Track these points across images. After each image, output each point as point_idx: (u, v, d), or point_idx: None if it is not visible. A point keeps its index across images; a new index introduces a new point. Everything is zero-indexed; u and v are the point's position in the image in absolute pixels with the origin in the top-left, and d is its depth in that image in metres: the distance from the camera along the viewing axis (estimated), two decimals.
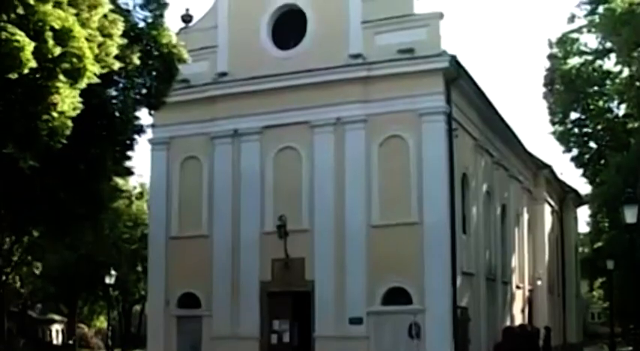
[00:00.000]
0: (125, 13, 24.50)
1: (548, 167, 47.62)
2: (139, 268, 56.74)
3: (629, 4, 29.37)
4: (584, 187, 56.05)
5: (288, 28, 31.85)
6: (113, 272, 43.84)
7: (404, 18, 29.80)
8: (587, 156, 51.17)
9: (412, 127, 29.22)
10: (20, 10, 17.56)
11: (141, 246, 50.64)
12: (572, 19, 48.05)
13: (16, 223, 26.70)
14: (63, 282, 56.32)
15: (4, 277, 50.87)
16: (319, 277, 29.88)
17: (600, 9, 43.86)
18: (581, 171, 52.44)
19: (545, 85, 51.81)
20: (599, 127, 49.87)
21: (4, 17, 17.37)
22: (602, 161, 48.78)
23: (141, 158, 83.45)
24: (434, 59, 29.11)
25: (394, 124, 29.40)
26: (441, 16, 29.66)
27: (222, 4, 33.04)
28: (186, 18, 33.70)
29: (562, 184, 52.40)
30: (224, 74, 32.29)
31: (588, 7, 46.62)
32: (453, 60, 29.14)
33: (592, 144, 51.46)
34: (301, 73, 30.59)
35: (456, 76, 29.74)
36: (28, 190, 22.27)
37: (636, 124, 43.21)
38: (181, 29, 32.38)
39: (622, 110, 48.04)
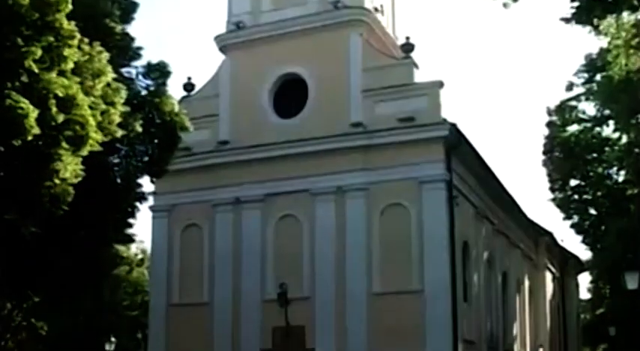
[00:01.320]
0: (128, 82, 24.82)
1: (549, 234, 47.66)
2: (140, 336, 56.26)
3: (627, 72, 29.69)
4: (584, 254, 55.97)
5: (289, 96, 32.16)
6: (113, 339, 43.49)
7: (404, 87, 30.16)
8: (587, 222, 51.13)
9: (413, 195, 29.33)
10: (25, 78, 17.79)
11: (141, 313, 50.31)
12: (570, 87, 48.54)
13: (17, 288, 26.62)
14: (62, 348, 55.78)
15: (3, 343, 50.40)
16: (320, 345, 29.66)
17: (598, 77, 44.35)
18: (581, 238, 52.37)
19: (545, 152, 52.01)
20: (599, 193, 49.91)
21: (9, 85, 17.59)
22: (603, 228, 48.71)
23: (142, 224, 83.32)
24: (434, 128, 29.35)
25: (395, 192, 29.51)
26: (440, 84, 30.01)
27: (224, 73, 33.44)
28: (188, 86, 34.09)
29: (563, 251, 52.36)
30: (225, 142, 32.52)
31: (586, 75, 47.15)
32: (453, 128, 29.38)
33: (592, 211, 51.46)
34: (302, 141, 30.82)
35: (456, 144, 29.96)
36: (28, 256, 22.27)
37: (635, 191, 43.26)
38: (183, 97, 32.73)
39: (621, 177, 48.16)
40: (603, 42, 26.72)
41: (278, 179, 30.99)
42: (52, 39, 18.31)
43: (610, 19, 13.50)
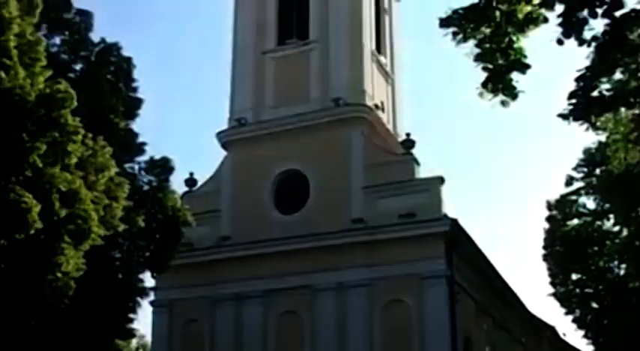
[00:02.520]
0: (131, 177, 25.05)
1: (551, 328, 47.25)
2: None
3: (626, 166, 29.93)
4: (587, 348, 55.27)
5: (291, 192, 32.33)
6: None
7: (405, 183, 30.38)
8: (589, 317, 50.68)
9: (414, 290, 29.23)
10: (29, 173, 18.00)
11: None
12: (570, 181, 48.77)
13: None
14: None
15: None
16: None
17: (597, 171, 44.64)
18: (583, 332, 51.81)
19: (545, 246, 51.91)
20: (601, 287, 49.64)
21: (13, 179, 17.78)
22: (605, 322, 48.28)
23: (143, 318, 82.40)
24: (435, 223, 29.45)
25: (396, 287, 29.41)
26: (441, 180, 30.24)
27: (226, 169, 33.71)
28: (191, 182, 34.32)
29: (566, 345, 51.77)
30: (227, 238, 32.55)
31: (585, 170, 47.45)
32: (454, 224, 29.48)
33: (594, 304, 51.08)
34: (303, 237, 30.84)
35: (457, 240, 30.01)
36: (29, 349, 22.08)
37: (637, 284, 43.07)
38: (185, 193, 32.91)
39: (623, 270, 47.97)
40: (602, 136, 27.01)
41: (279, 275, 30.88)
42: (56, 134, 18.59)
43: (608, 115, 13.76)
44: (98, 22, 27.15)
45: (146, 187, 26.43)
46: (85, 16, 26.85)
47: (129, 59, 27.02)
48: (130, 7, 73.96)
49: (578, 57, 11.79)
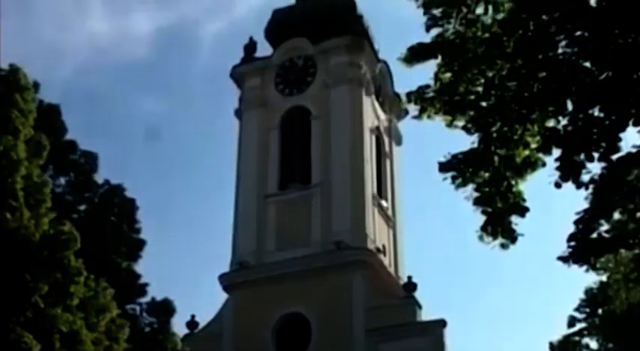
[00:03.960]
0: (132, 318, 24.87)
1: None
2: None
3: (628, 306, 29.77)
4: None
5: (292, 335, 32.06)
6: None
7: (407, 326, 30.17)
8: None
9: None
10: (30, 313, 17.92)
11: None
12: (572, 322, 48.29)
13: None
14: None
15: None
16: None
17: (599, 311, 44.28)
18: None
19: None
20: None
21: (14, 319, 17.70)
22: None
23: None
24: None
25: None
26: (443, 324, 30.04)
27: (227, 311, 33.53)
28: (192, 324, 34.04)
29: None
30: None
31: (587, 310, 47.06)
32: None
33: None
34: None
35: None
36: None
37: None
38: (187, 335, 32.58)
39: None
40: (603, 276, 27.02)
41: None
42: (59, 275, 18.61)
43: (608, 256, 13.83)
44: (102, 162, 27.63)
45: (147, 329, 26.20)
46: (90, 157, 27.34)
47: (132, 201, 27.33)
48: (134, 149, 75.03)
49: (577, 198, 11.97)
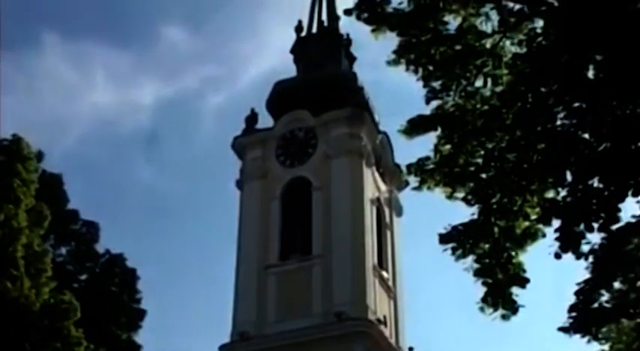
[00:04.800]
0: None
1: None
2: None
3: None
4: None
5: None
6: None
7: None
8: None
9: None
10: None
11: None
12: None
13: None
14: None
15: None
16: None
17: None
18: None
19: None
20: None
21: None
22: None
23: None
24: None
25: None
26: None
27: None
28: None
29: None
30: None
31: None
32: None
33: None
34: None
35: None
36: None
37: None
38: None
39: None
40: (605, 346, 26.76)
41: None
42: (59, 345, 18.57)
43: (610, 326, 13.79)
44: (104, 232, 27.71)
45: None
46: (92, 227, 27.45)
47: (133, 271, 27.38)
48: (136, 219, 75.17)
49: (577, 268, 12.00)
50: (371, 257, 34.36)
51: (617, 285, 12.04)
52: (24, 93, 77.45)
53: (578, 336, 12.60)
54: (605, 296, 11.98)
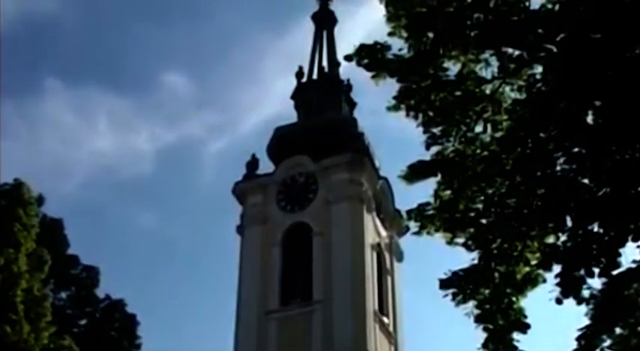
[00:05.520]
0: None
1: None
2: None
3: None
4: None
5: None
6: None
7: None
8: None
9: None
10: None
11: None
12: None
13: None
14: None
15: None
16: None
17: None
18: None
19: None
20: None
21: None
22: None
23: None
24: None
25: None
26: None
27: None
28: None
29: None
30: None
31: None
32: None
33: None
34: None
35: None
36: None
37: None
38: None
39: None
40: None
41: None
42: None
43: None
44: (104, 277, 27.64)
45: None
46: (92, 272, 27.40)
47: (133, 316, 27.25)
48: (136, 264, 75.03)
49: (578, 313, 11.96)
50: (371, 303, 34.24)
51: (618, 331, 11.97)
52: (26, 138, 77.73)
53: None
54: (607, 342, 11.91)
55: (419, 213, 12.54)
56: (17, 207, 20.79)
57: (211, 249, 73.94)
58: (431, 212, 12.48)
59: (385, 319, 35.84)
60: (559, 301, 11.40)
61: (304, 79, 42.15)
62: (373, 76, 12.58)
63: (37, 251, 20.95)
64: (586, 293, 11.42)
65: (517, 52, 11.90)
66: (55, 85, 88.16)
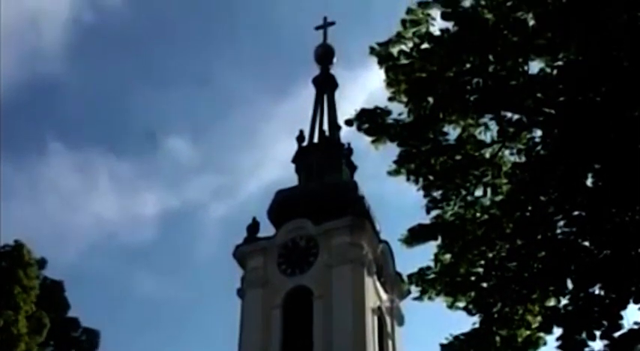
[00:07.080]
0: None
1: None
2: None
3: None
4: None
5: None
6: None
7: None
8: None
9: None
10: None
11: None
12: None
13: None
14: None
15: None
16: None
17: None
18: None
19: None
20: None
21: None
22: None
23: None
24: None
25: None
26: None
27: None
28: None
29: None
30: None
31: None
32: None
33: None
34: None
35: None
36: None
37: None
38: None
39: None
40: None
41: None
42: None
43: None
44: (104, 340, 27.47)
45: None
46: (92, 335, 27.25)
47: None
48: (137, 327, 74.59)
49: None
50: None
51: None
52: (27, 199, 77.88)
53: None
54: None
55: (420, 277, 12.54)
56: (18, 269, 20.78)
57: (212, 313, 73.55)
58: (432, 276, 12.47)
59: None
60: None
61: (305, 143, 42.40)
62: (373, 141, 12.66)
63: (36, 314, 20.88)
64: None
65: (516, 116, 12.02)
66: (57, 147, 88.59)
